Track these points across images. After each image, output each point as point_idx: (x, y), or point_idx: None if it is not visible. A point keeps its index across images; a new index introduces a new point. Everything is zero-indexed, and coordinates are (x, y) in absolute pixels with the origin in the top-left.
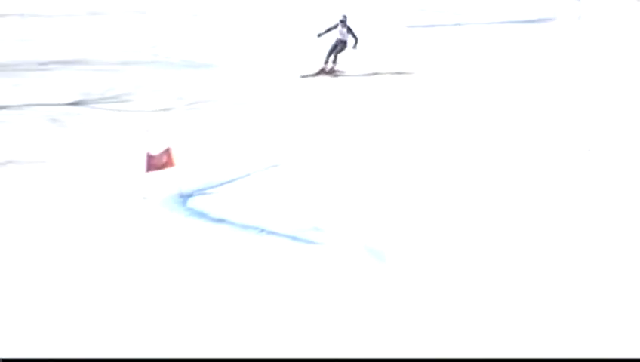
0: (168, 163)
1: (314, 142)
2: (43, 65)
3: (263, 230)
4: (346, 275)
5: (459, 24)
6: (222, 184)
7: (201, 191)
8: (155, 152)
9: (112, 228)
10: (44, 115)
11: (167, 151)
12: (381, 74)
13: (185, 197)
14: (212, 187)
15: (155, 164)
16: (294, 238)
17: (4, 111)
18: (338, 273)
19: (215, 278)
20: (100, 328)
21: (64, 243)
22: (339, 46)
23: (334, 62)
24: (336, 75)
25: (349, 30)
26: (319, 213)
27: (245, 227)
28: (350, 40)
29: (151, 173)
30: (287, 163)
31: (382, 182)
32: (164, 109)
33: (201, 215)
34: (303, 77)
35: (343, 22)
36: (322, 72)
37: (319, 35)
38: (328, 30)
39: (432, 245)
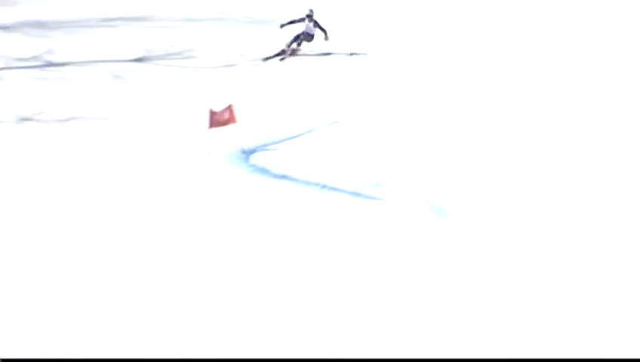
0: (231, 119)
1: (376, 99)
2: (107, 21)
3: (325, 186)
4: (408, 231)
5: None
6: (284, 140)
7: (263, 148)
8: (217, 109)
9: (175, 184)
10: (108, 71)
11: (229, 108)
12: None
13: (247, 153)
14: (274, 143)
15: (217, 120)
16: (356, 194)
17: (67, 67)
18: (400, 229)
19: (277, 234)
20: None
21: (127, 199)
22: (302, 36)
23: (298, 45)
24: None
25: (316, 24)
26: (381, 169)
27: (307, 183)
28: (319, 33)
29: (213, 129)
30: (349, 119)
31: (444, 137)
32: (228, 66)
33: (264, 171)
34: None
35: (310, 16)
36: (283, 53)
37: (282, 26)
38: (292, 22)
39: (495, 200)
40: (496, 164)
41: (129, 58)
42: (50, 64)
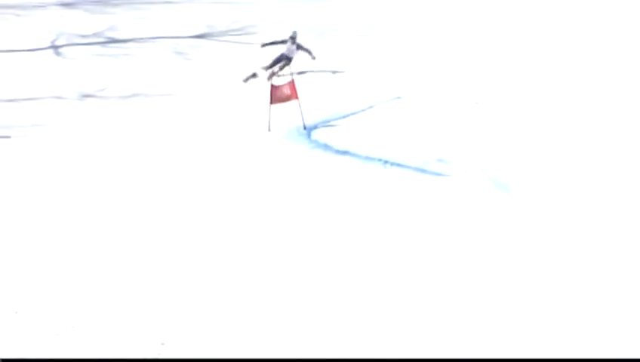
0: (292, 95)
1: (436, 74)
2: None
3: (387, 162)
4: (472, 207)
5: None
6: (345, 116)
7: (324, 124)
8: (279, 84)
9: (238, 161)
10: (170, 47)
11: (291, 83)
12: None
13: (309, 129)
14: (336, 119)
15: (279, 96)
16: (419, 170)
17: (130, 44)
18: (464, 204)
19: (340, 210)
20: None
21: (189, 175)
22: (283, 61)
23: (280, 69)
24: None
25: (299, 47)
26: (444, 145)
27: (369, 159)
28: (302, 54)
29: (275, 105)
30: (410, 95)
31: (506, 111)
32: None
33: (325, 147)
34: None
35: (293, 38)
36: (254, 76)
37: (263, 45)
38: (274, 43)
39: (557, 175)
40: (558, 137)
41: (191, 34)
42: (112, 40)
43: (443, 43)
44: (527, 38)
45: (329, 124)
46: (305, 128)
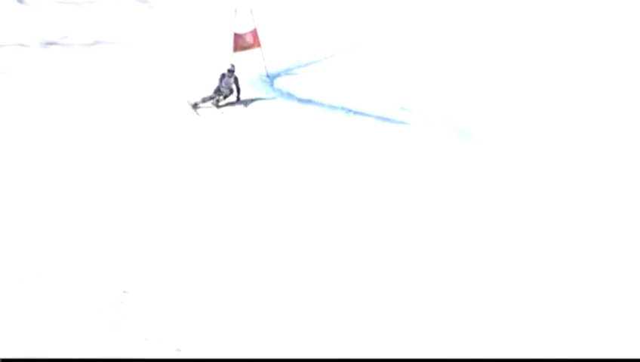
0: (255, 43)
1: (398, 22)
2: None
3: (350, 110)
4: (435, 155)
5: None
6: (308, 64)
7: (287, 72)
8: (242, 32)
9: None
10: None
11: (253, 32)
12: None
13: (271, 77)
14: (298, 67)
15: (241, 44)
16: (382, 119)
17: None
18: (427, 153)
19: (304, 158)
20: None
21: (151, 119)
22: (224, 92)
23: (216, 105)
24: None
25: (236, 80)
26: (407, 94)
27: (333, 108)
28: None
29: (237, 53)
30: (373, 43)
31: (470, 61)
32: None
33: (289, 95)
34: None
35: (231, 71)
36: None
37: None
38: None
39: (520, 124)
40: (521, 85)
41: None
42: None
43: None
44: None
45: (292, 72)
46: (268, 76)
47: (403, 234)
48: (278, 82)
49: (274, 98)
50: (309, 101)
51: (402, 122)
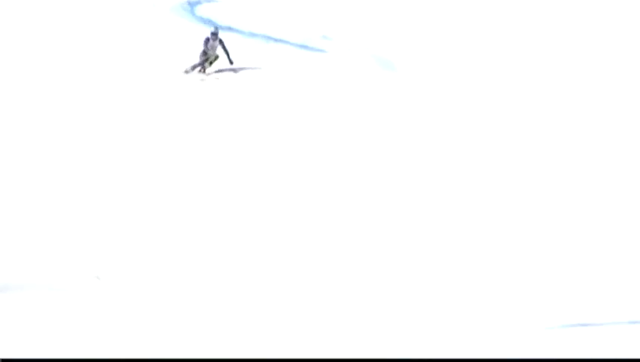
0: None
1: None
2: None
3: (270, 38)
4: (355, 83)
5: None
6: None
7: None
8: None
9: (123, 35)
10: None
11: None
12: None
13: (192, 4)
14: None
15: None
16: (302, 46)
17: None
18: (346, 81)
19: (222, 87)
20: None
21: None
22: (210, 58)
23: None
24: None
25: (221, 42)
26: (329, 22)
27: (253, 35)
28: (220, 52)
29: None
30: None
31: None
32: None
33: (209, 22)
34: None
35: (215, 34)
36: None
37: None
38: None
39: (442, 53)
40: (449, 16)
41: None
42: None
43: None
44: None
45: None
46: (189, 4)
47: (318, 164)
48: (199, 9)
49: (194, 24)
50: (229, 28)
51: (322, 50)
